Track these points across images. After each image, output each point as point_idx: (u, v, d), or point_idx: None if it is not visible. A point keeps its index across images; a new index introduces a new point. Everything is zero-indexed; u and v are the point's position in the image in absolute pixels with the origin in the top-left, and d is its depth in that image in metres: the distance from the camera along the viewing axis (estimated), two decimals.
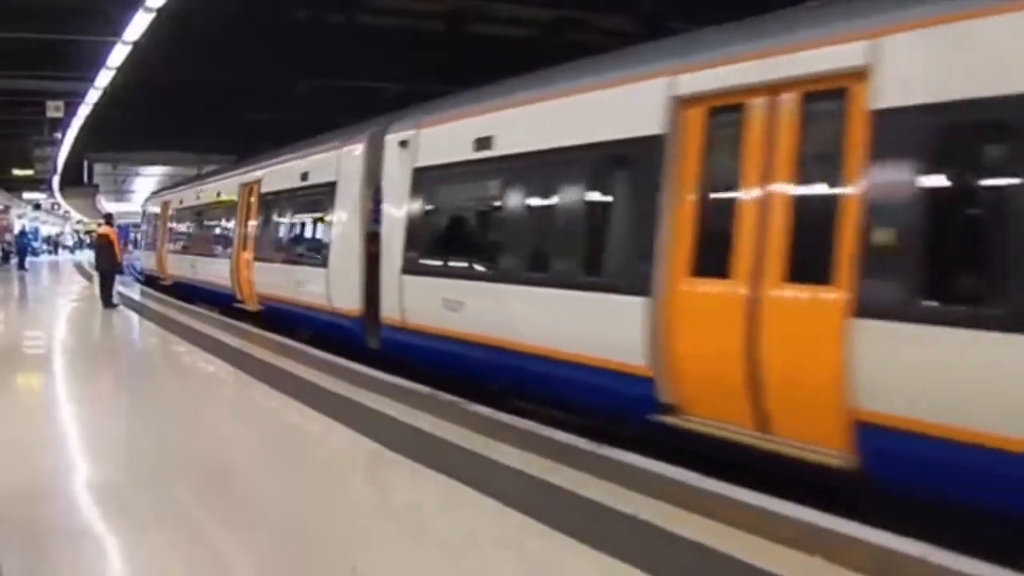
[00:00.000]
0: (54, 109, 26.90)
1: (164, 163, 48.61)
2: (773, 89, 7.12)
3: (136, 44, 18.62)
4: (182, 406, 10.44)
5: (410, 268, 12.01)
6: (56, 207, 73.86)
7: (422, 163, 12.14)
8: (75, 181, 46.90)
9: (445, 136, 11.77)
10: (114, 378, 13.00)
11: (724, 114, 7.61)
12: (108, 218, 26.61)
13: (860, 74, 6.44)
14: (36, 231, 72.28)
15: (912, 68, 6.19)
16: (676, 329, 7.71)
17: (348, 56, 21.57)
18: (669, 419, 7.69)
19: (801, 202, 6.95)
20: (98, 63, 20.89)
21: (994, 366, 5.53)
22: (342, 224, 14.35)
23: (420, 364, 11.63)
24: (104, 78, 22.25)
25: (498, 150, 10.46)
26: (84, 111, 27.46)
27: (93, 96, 24.93)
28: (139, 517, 6.16)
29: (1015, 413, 5.38)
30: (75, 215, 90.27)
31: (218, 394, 11.99)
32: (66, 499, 6.68)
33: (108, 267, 23.02)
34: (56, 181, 46.68)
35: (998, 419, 5.47)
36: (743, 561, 5.06)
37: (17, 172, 39.58)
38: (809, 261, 6.76)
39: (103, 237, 23.50)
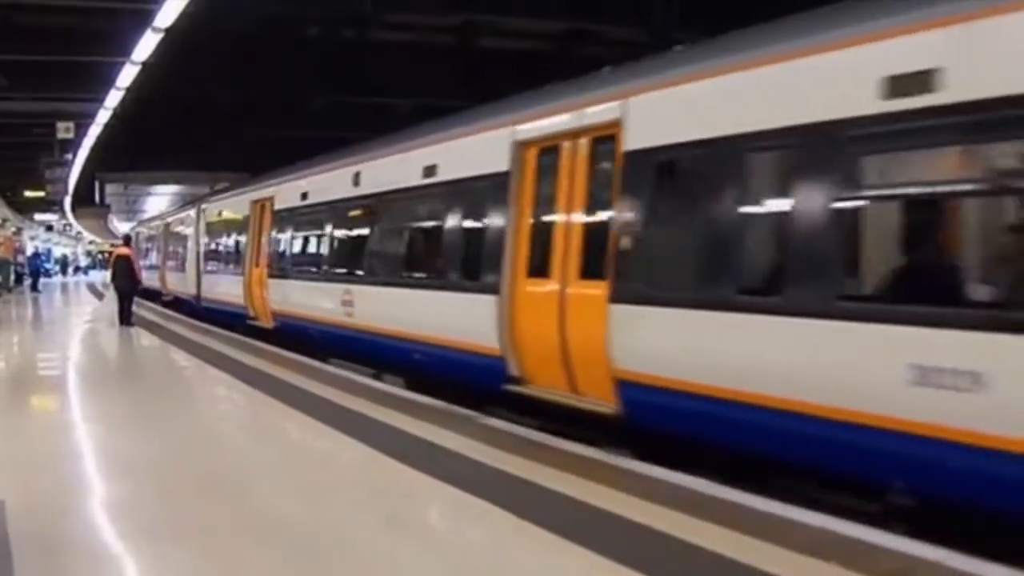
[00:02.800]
0: (64, 130, 27.05)
1: (176, 182, 48.79)
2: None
3: (145, 64, 18.69)
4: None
5: (204, 270, 25.42)
6: (68, 228, 74.13)
7: (207, 220, 25.65)
8: (87, 201, 47.12)
9: (214, 208, 25.22)
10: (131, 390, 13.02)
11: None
12: (127, 239, 26.93)
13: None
14: (49, 252, 72.48)
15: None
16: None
17: (361, 72, 21.67)
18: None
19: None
20: (108, 83, 20.98)
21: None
22: (191, 249, 27.35)
23: (209, 316, 23.44)
24: (114, 98, 22.33)
25: (220, 218, 24.10)
26: (95, 131, 27.58)
27: (103, 116, 25.03)
28: (156, 532, 6.14)
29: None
30: (87, 235, 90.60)
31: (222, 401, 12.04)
32: (83, 514, 6.67)
33: (127, 286, 23.10)
34: (68, 202, 46.85)
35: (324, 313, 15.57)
36: (762, 570, 5.01)
37: (29, 194, 39.81)
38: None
39: (122, 257, 23.57)
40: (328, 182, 16.02)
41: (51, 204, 47.52)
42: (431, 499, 6.91)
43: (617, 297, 8.30)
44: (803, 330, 6.63)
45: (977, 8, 5.78)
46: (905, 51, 6.14)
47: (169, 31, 16.14)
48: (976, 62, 5.73)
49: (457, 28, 21.41)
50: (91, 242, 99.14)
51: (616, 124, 8.71)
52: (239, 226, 21.56)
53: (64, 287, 54.22)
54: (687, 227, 7.99)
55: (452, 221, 11.59)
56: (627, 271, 8.37)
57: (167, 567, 5.62)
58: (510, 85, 12.05)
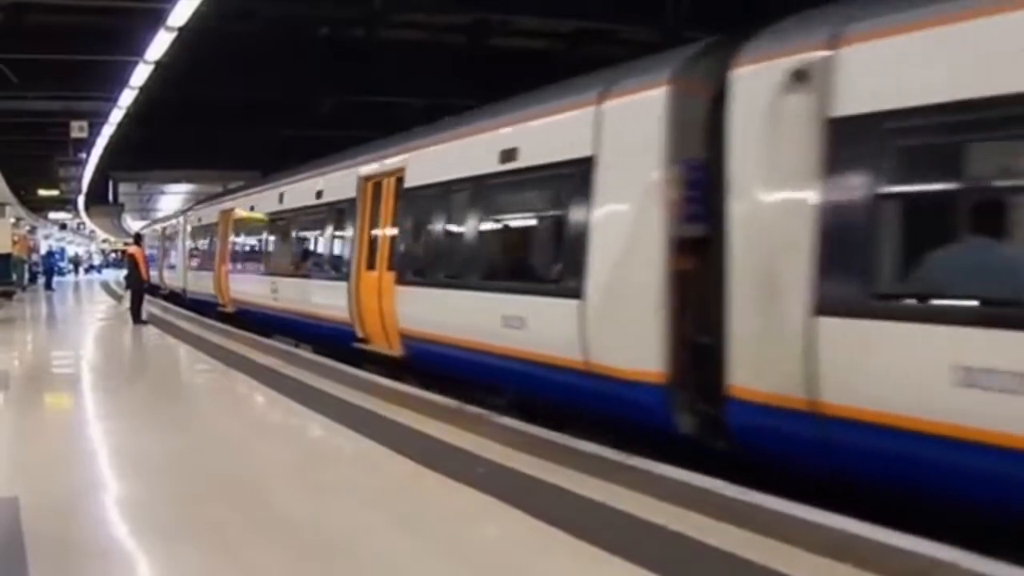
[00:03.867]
0: (78, 129, 27.05)
1: (189, 181, 48.82)
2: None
3: (158, 63, 18.70)
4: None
5: (189, 268, 30.54)
6: (82, 227, 74.31)
7: (191, 226, 30.92)
8: (100, 200, 47.14)
9: (195, 215, 30.89)
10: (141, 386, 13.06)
11: None
12: (137, 238, 27.14)
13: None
14: (62, 251, 72.65)
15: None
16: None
17: (371, 71, 21.63)
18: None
19: None
20: (121, 83, 21.00)
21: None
22: (180, 250, 32.97)
23: (193, 306, 27.85)
24: (127, 98, 22.35)
25: (199, 224, 29.65)
26: (108, 131, 27.61)
27: (117, 116, 25.05)
28: (168, 531, 6.16)
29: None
30: (101, 234, 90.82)
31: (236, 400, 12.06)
32: (96, 512, 6.70)
33: (135, 285, 23.31)
34: (81, 201, 46.94)
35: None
36: (776, 571, 5.00)
37: (42, 192, 39.85)
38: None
39: (129, 256, 24.01)
40: (267, 198, 21.51)
41: (65, 203, 47.60)
42: (443, 498, 6.90)
43: (398, 280, 13.28)
44: (465, 299, 11.39)
45: (529, 112, 10.78)
46: (505, 137, 10.97)
47: (182, 31, 16.13)
48: (531, 144, 10.47)
49: (467, 27, 21.39)
50: (104, 240, 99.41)
51: (403, 169, 13.70)
52: (212, 231, 26.84)
53: (78, 285, 54.37)
54: (425, 236, 12.92)
55: (328, 230, 16.89)
56: (401, 264, 13.45)
57: (180, 565, 5.64)
58: (521, 84, 12.07)
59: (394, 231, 13.91)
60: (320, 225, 17.32)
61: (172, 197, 58.73)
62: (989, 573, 4.82)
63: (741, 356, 7.25)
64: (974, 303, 5.93)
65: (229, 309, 24.07)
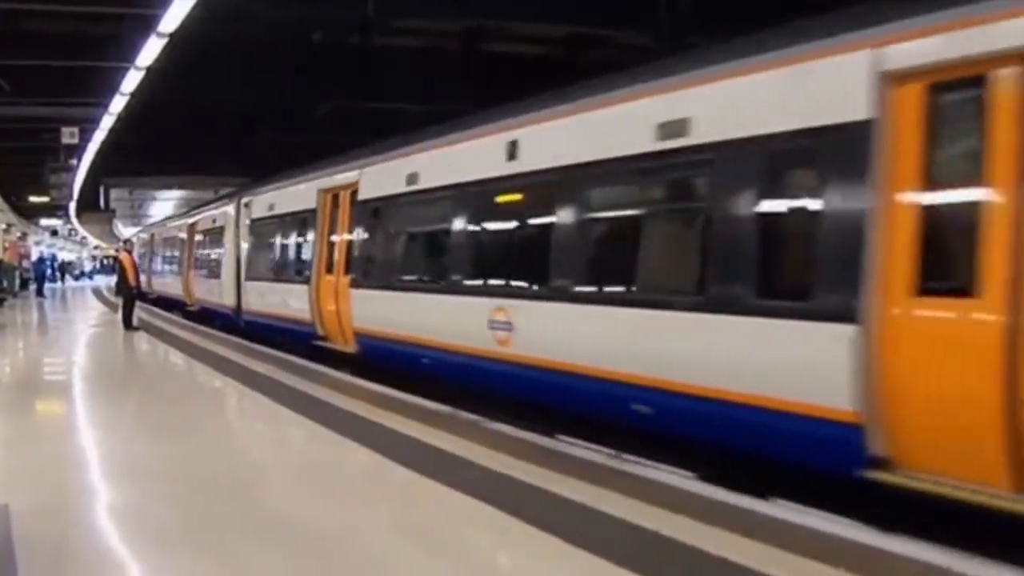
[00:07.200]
0: (69, 135, 26.98)
1: (181, 187, 48.76)
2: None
3: (150, 70, 18.65)
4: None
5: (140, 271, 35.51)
6: (73, 233, 74.19)
7: (142, 242, 46.14)
8: (91, 207, 47.14)
9: (144, 235, 47.79)
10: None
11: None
12: (126, 244, 27.23)
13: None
14: (54, 257, 72.44)
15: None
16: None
17: (367, 77, 21.58)
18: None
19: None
20: (112, 89, 20.95)
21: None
22: (136, 257, 37.01)
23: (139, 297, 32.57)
24: (118, 104, 22.30)
25: (146, 240, 45.70)
26: (99, 137, 27.54)
27: (108, 122, 24.99)
28: (161, 535, 6.13)
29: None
30: (92, 240, 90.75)
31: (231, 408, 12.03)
32: (87, 519, 6.66)
33: (125, 291, 23.32)
34: (72, 207, 46.91)
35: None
36: (768, 574, 4.99)
37: (33, 199, 39.86)
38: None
39: (118, 261, 24.24)
40: (163, 230, 38.89)
41: (56, 209, 47.59)
42: (437, 505, 6.88)
43: (192, 272, 29.74)
44: (208, 283, 27.40)
45: (208, 208, 30.11)
46: (216, 216, 27.30)
47: (173, 37, 16.08)
48: (212, 217, 28.63)
49: (463, 33, 21.38)
50: (96, 247, 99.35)
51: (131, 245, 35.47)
52: (149, 246, 42.53)
53: (71, 292, 54.26)
54: (208, 250, 28.36)
55: (178, 252, 33.07)
56: (198, 266, 29.17)
57: (172, 572, 5.61)
58: (517, 90, 12.03)
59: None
60: (177, 248, 32.86)
61: (164, 203, 58.68)
62: None
63: (241, 296, 21.74)
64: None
65: (153, 296, 36.92)
